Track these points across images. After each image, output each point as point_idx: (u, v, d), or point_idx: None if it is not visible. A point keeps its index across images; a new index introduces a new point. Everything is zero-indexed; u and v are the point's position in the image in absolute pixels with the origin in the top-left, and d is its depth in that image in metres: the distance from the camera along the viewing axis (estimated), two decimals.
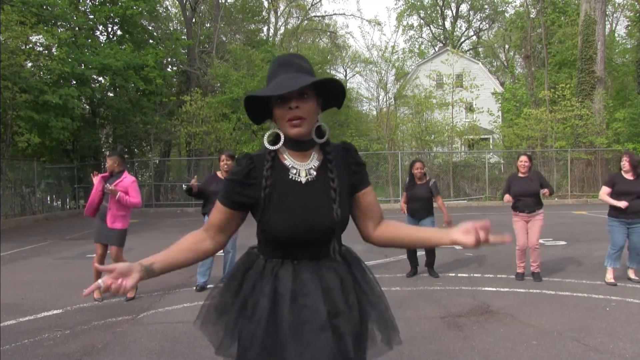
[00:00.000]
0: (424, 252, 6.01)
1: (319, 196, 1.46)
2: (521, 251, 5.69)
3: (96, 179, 5.18)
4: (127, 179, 5.15)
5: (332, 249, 1.48)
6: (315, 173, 1.49)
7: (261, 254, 1.53)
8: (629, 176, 5.37)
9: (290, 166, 1.48)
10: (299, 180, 1.47)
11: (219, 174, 5.59)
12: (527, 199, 5.59)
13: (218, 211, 1.51)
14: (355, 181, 1.55)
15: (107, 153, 5.33)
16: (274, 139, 1.50)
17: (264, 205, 1.44)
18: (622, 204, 5.24)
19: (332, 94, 1.51)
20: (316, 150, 1.52)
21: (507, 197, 5.66)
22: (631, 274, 5.54)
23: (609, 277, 5.42)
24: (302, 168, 1.49)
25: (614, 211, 5.37)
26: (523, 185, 5.63)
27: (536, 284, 5.48)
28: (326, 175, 1.48)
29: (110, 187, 4.92)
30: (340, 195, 1.47)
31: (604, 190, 5.50)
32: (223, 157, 5.51)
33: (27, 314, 4.74)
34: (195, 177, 5.81)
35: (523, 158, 5.71)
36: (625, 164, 5.38)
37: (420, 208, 5.95)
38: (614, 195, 5.37)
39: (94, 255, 5.37)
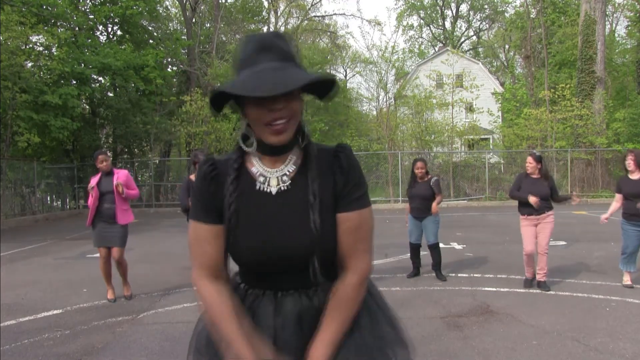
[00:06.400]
0: (427, 253, 5.93)
1: (293, 208, 1.16)
2: (528, 256, 5.34)
3: (93, 190, 5.01)
4: (122, 173, 5.18)
5: (312, 273, 1.14)
6: (289, 181, 1.19)
7: (242, 281, 1.26)
8: (634, 176, 5.21)
9: (257, 173, 1.20)
10: (268, 190, 1.18)
11: (192, 177, 5.44)
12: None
13: (197, 239, 1.21)
14: (337, 195, 1.18)
15: (100, 152, 5.24)
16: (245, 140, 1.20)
17: (228, 225, 1.17)
18: (603, 217, 5.41)
19: (321, 86, 1.20)
20: (295, 152, 1.21)
21: (534, 198, 5.09)
22: None
23: (626, 279, 5.30)
24: (273, 175, 1.19)
25: (624, 213, 5.24)
26: (533, 186, 5.26)
27: (536, 283, 5.38)
28: (304, 181, 1.17)
29: (120, 185, 4.95)
30: (322, 204, 1.15)
31: (616, 198, 5.39)
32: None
33: (27, 314, 4.73)
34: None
35: (528, 159, 5.40)
36: (630, 162, 5.22)
37: (422, 207, 5.78)
38: (624, 199, 5.23)
39: (95, 256, 5.36)
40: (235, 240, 1.17)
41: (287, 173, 1.19)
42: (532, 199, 5.12)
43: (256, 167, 1.21)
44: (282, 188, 1.18)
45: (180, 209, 5.68)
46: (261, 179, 1.19)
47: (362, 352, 1.20)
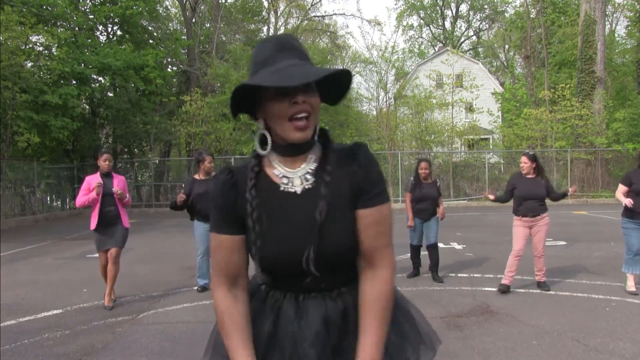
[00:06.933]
0: (426, 253, 5.94)
1: (314, 208, 1.14)
2: (515, 258, 5.12)
3: (100, 187, 4.90)
4: (120, 178, 5.14)
5: (305, 264, 1.13)
6: (313, 178, 1.18)
7: (263, 283, 1.26)
8: None
9: (280, 175, 1.19)
10: (292, 190, 1.18)
11: (196, 176, 5.46)
12: (531, 202, 5.10)
13: (219, 248, 1.21)
14: (357, 193, 1.17)
15: (106, 150, 5.19)
16: (262, 143, 1.20)
17: (252, 232, 1.16)
18: (627, 201, 4.78)
19: (333, 88, 1.22)
20: (315, 151, 1.22)
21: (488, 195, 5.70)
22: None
23: (630, 284, 5.00)
24: (296, 175, 1.19)
25: (628, 211, 4.88)
26: (529, 186, 5.13)
27: (536, 284, 5.37)
28: (322, 179, 1.17)
29: (119, 191, 4.90)
30: (337, 203, 1.15)
31: (620, 189, 4.96)
32: (209, 158, 5.41)
33: (27, 314, 4.73)
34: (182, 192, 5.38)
35: (522, 159, 5.27)
36: None
37: (430, 208, 5.80)
38: (631, 194, 4.82)
39: (95, 255, 5.35)
40: (262, 245, 1.15)
41: (310, 171, 1.19)
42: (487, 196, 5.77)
43: (278, 169, 1.20)
44: (307, 187, 1.18)
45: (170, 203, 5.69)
46: (284, 180, 1.19)
47: (390, 354, 1.21)
